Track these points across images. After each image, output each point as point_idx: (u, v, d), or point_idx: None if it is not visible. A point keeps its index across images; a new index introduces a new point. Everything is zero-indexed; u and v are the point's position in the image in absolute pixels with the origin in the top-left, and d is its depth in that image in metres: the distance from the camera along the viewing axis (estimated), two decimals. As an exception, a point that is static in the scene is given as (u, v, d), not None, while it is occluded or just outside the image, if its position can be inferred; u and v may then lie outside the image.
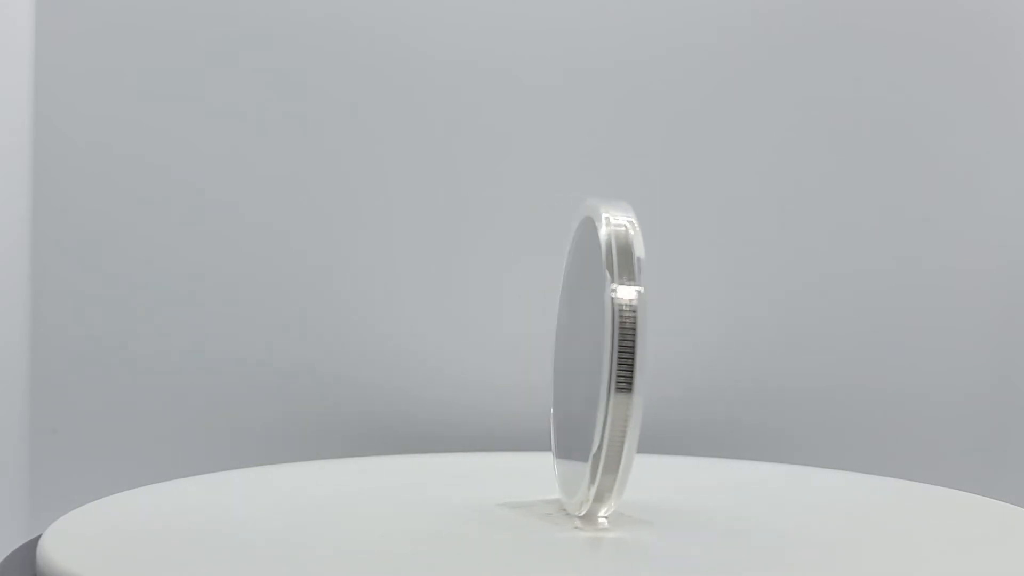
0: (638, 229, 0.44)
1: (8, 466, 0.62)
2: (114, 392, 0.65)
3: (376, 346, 0.66)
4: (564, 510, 0.47)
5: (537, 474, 0.50)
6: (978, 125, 0.69)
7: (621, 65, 0.67)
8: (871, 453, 0.68)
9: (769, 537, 0.45)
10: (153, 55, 0.65)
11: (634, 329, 0.42)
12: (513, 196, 0.66)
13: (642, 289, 0.43)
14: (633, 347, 0.42)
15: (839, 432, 0.68)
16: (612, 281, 0.43)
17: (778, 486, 0.56)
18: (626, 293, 0.42)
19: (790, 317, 0.68)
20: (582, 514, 0.45)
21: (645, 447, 0.44)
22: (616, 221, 0.44)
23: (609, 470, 0.43)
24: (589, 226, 0.46)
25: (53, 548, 0.41)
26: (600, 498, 0.44)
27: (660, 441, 0.51)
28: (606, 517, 0.45)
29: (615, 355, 0.42)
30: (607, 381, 0.42)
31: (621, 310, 0.42)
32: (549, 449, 0.49)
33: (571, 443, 0.47)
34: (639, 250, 0.43)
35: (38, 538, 0.44)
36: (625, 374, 0.42)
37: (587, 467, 0.43)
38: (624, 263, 0.43)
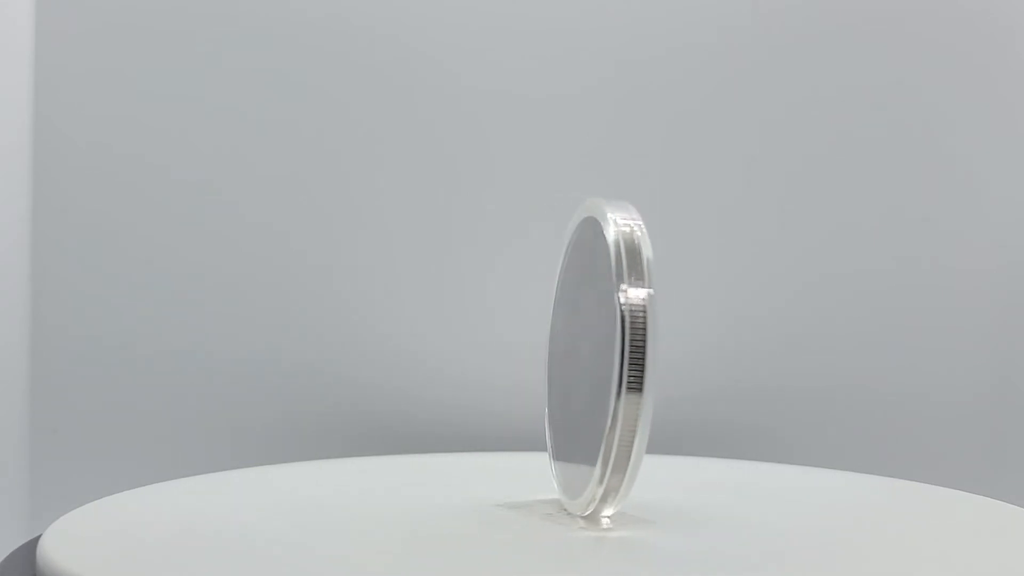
0: (644, 230, 0.44)
1: (8, 466, 0.62)
2: (114, 392, 0.65)
3: (376, 346, 0.66)
4: (565, 510, 0.47)
5: (536, 474, 0.50)
6: (978, 125, 0.69)
7: (621, 65, 0.67)
8: (871, 453, 0.68)
9: (770, 537, 0.45)
10: (153, 55, 0.65)
11: (644, 330, 0.42)
12: (513, 196, 0.66)
13: (652, 290, 0.43)
14: (644, 347, 0.42)
15: (839, 432, 0.68)
16: (622, 282, 0.43)
17: (778, 486, 0.56)
18: (636, 294, 0.43)
19: (790, 317, 0.68)
20: (586, 514, 0.45)
21: (646, 447, 0.44)
22: (623, 222, 0.44)
23: (617, 470, 0.43)
24: (591, 226, 0.46)
25: (53, 548, 0.41)
26: (606, 498, 0.44)
27: (660, 441, 0.51)
28: (609, 517, 0.45)
29: (626, 355, 0.42)
30: (617, 381, 0.42)
31: (632, 311, 0.42)
32: (547, 450, 0.49)
33: (573, 444, 0.47)
34: (647, 251, 0.43)
35: (38, 538, 0.44)
36: (636, 374, 0.42)
37: (595, 467, 0.43)
38: (633, 264, 0.43)
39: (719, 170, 0.68)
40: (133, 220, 0.65)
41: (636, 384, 0.42)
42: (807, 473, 0.59)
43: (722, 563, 0.42)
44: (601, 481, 0.43)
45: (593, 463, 0.44)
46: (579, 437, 0.46)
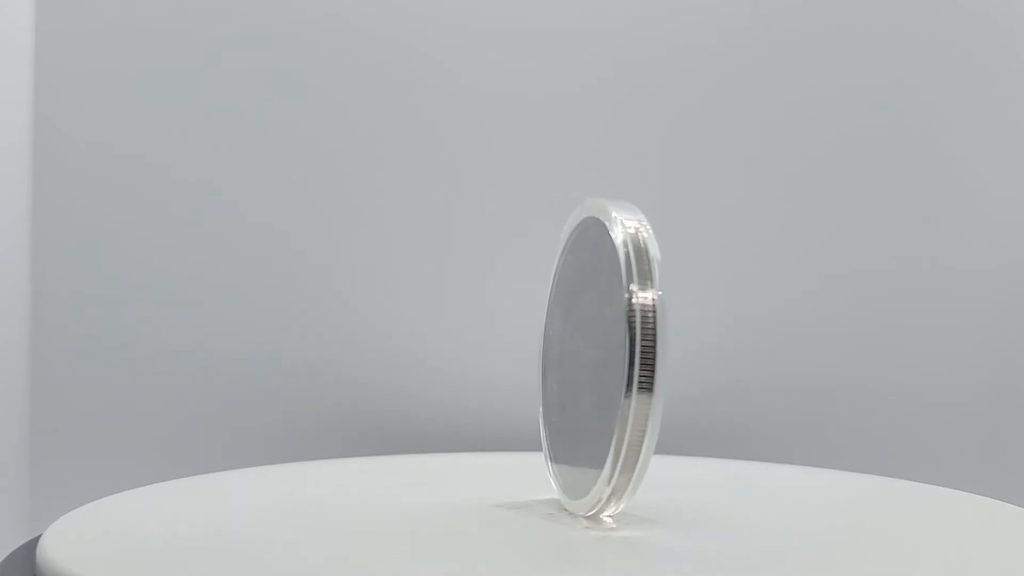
0: (651, 230, 0.44)
1: (8, 466, 0.62)
2: (114, 392, 0.65)
3: (376, 346, 0.66)
4: (565, 510, 0.47)
5: (536, 474, 0.50)
6: (978, 125, 0.69)
7: (621, 65, 0.67)
8: (871, 453, 0.68)
9: (770, 537, 0.45)
10: (153, 55, 0.65)
11: (654, 330, 0.42)
12: (513, 196, 0.66)
13: (660, 291, 0.43)
14: (654, 348, 0.42)
15: (839, 432, 0.68)
16: (631, 283, 0.43)
17: (778, 486, 0.56)
18: (645, 295, 0.43)
19: (790, 317, 0.68)
20: (590, 514, 0.45)
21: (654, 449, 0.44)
22: (629, 223, 0.44)
23: (626, 470, 0.43)
24: (593, 227, 0.46)
25: (53, 548, 0.41)
26: (612, 499, 0.44)
27: (660, 441, 0.51)
28: (611, 517, 0.45)
29: (637, 356, 0.42)
30: (628, 382, 0.42)
31: (643, 311, 0.42)
32: (543, 451, 0.49)
33: (574, 445, 0.47)
34: (655, 251, 0.44)
35: (38, 538, 0.44)
36: (646, 375, 0.42)
37: (602, 467, 0.43)
38: (642, 265, 0.43)
39: (719, 170, 0.68)
40: (133, 220, 0.65)
41: (647, 385, 0.42)
42: (807, 473, 0.59)
43: (724, 563, 0.42)
44: (609, 481, 0.43)
45: (599, 463, 0.44)
46: (581, 438, 0.46)
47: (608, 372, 0.44)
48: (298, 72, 0.66)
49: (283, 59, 0.65)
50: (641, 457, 0.43)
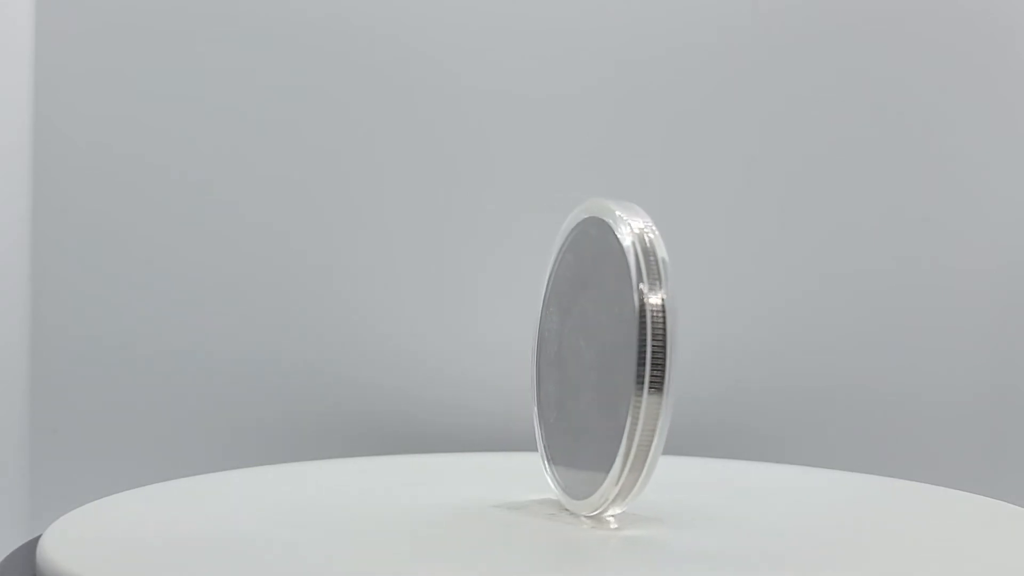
0: (657, 231, 0.44)
1: (8, 466, 0.62)
2: (114, 392, 0.65)
3: (376, 346, 0.66)
4: (566, 510, 0.47)
5: (536, 474, 0.50)
6: (978, 125, 0.69)
7: (621, 65, 0.67)
8: (871, 453, 0.68)
9: (770, 537, 0.45)
10: (153, 55, 0.65)
11: (664, 330, 0.42)
12: (513, 196, 0.66)
13: (670, 292, 0.43)
14: (664, 348, 0.42)
15: (839, 432, 0.68)
16: (641, 283, 0.43)
17: (778, 486, 0.56)
18: (655, 295, 0.43)
19: (790, 317, 0.68)
20: (594, 514, 0.45)
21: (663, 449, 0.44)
22: (635, 224, 0.44)
23: (634, 470, 0.43)
24: (595, 227, 0.46)
25: (53, 548, 0.41)
26: (618, 498, 0.44)
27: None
28: (613, 517, 0.45)
29: (648, 357, 0.42)
30: (638, 382, 0.42)
31: (653, 312, 0.43)
32: (539, 453, 0.49)
33: (575, 446, 0.47)
34: (662, 252, 0.44)
35: (38, 538, 0.44)
36: (657, 375, 0.42)
37: (610, 467, 0.43)
38: (651, 266, 0.43)
39: (719, 170, 0.68)
40: (133, 220, 0.65)
41: (657, 385, 0.42)
42: (807, 473, 0.59)
43: (728, 563, 0.42)
44: (617, 481, 0.43)
45: (604, 463, 0.44)
46: (583, 438, 0.46)
47: (614, 372, 0.44)
48: (298, 72, 0.66)
49: (283, 59, 0.65)
50: (650, 457, 0.43)
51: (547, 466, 0.49)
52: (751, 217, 0.68)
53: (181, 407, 0.65)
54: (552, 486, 0.48)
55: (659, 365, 0.42)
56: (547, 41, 0.67)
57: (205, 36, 0.65)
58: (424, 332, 0.66)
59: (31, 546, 0.44)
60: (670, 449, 0.62)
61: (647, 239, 0.44)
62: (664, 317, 0.43)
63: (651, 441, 0.43)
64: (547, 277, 0.49)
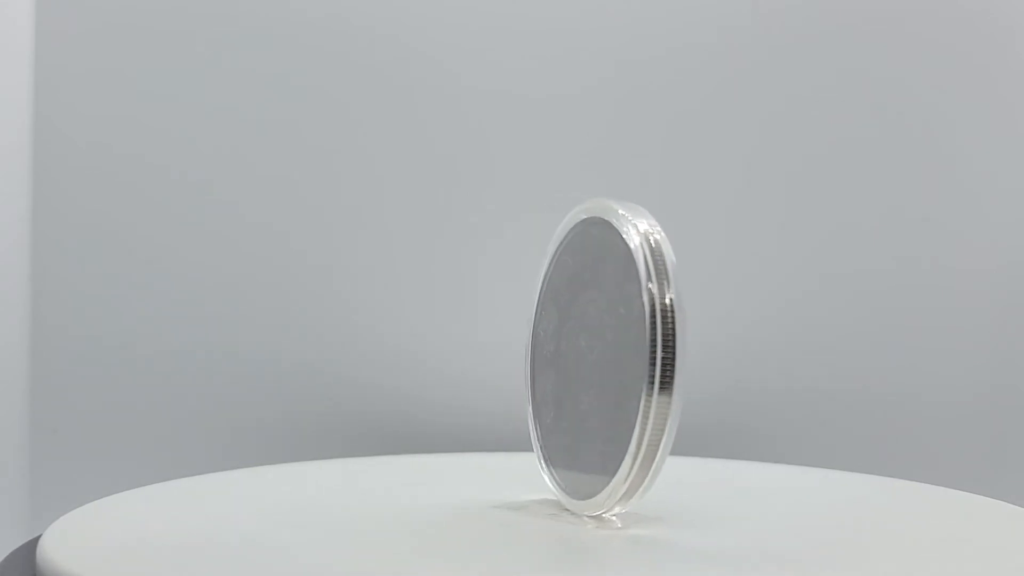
0: (662, 232, 0.44)
1: (8, 466, 0.62)
2: (114, 392, 0.65)
3: (376, 346, 0.66)
4: (566, 510, 0.47)
5: (536, 474, 0.50)
6: (978, 125, 0.69)
7: (621, 65, 0.67)
8: (871, 453, 0.68)
9: (770, 536, 0.45)
10: (153, 55, 0.65)
11: (673, 330, 0.43)
12: (513, 196, 0.66)
13: (678, 292, 0.43)
14: (674, 348, 0.42)
15: (839, 432, 0.68)
16: (650, 283, 0.43)
17: (778, 486, 0.56)
18: (664, 295, 0.43)
19: (790, 318, 0.68)
20: (597, 514, 0.45)
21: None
22: (641, 224, 0.44)
23: (642, 470, 0.43)
24: (597, 227, 0.46)
25: (53, 548, 0.41)
26: (624, 498, 0.44)
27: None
28: (615, 516, 0.45)
29: (659, 356, 0.42)
30: (649, 382, 0.42)
31: (663, 312, 0.43)
32: (536, 453, 0.49)
33: (576, 445, 0.47)
34: (669, 252, 0.44)
35: (38, 538, 0.44)
36: (667, 375, 0.42)
37: (618, 467, 0.43)
38: (659, 266, 0.43)
39: (719, 170, 0.68)
40: (133, 220, 0.65)
41: (667, 384, 0.43)
42: (807, 473, 0.59)
43: (728, 562, 0.42)
44: (625, 480, 0.43)
45: (609, 463, 0.44)
46: (586, 438, 0.46)
47: (620, 372, 0.44)
48: (298, 72, 0.66)
49: (283, 59, 0.65)
50: (658, 457, 0.43)
51: (544, 466, 0.49)
52: (751, 217, 0.68)
53: (181, 407, 0.65)
54: (550, 486, 0.48)
55: (669, 365, 0.43)
56: (547, 41, 0.67)
57: (205, 36, 0.65)
58: (424, 332, 0.66)
59: (31, 546, 0.44)
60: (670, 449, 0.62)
61: (654, 239, 0.44)
62: (673, 317, 0.43)
63: (660, 441, 0.43)
64: (542, 277, 0.49)
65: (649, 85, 0.67)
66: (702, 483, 0.55)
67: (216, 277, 0.66)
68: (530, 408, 0.49)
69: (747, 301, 0.68)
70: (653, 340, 0.43)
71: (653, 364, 0.43)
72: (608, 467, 0.44)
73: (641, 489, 0.44)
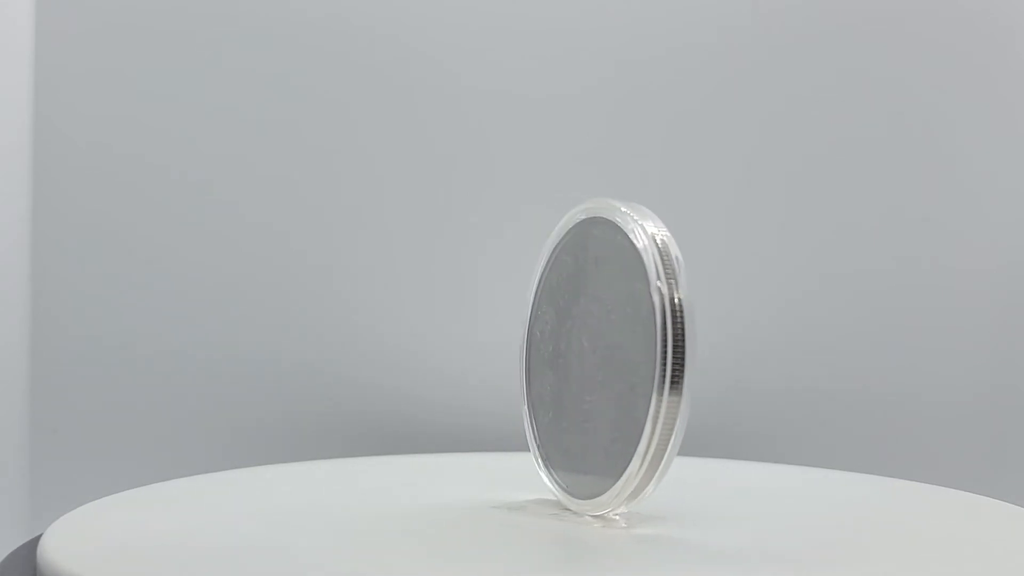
0: (668, 232, 0.44)
1: (8, 466, 0.62)
2: (114, 392, 0.65)
3: (376, 346, 0.66)
4: (568, 510, 0.47)
5: (535, 474, 0.50)
6: (978, 125, 0.69)
7: (621, 65, 0.67)
8: (871, 453, 0.68)
9: (770, 536, 0.45)
10: (153, 55, 0.65)
11: (683, 330, 0.43)
12: (513, 196, 0.66)
13: (687, 291, 0.43)
14: (683, 347, 0.43)
15: (839, 432, 0.68)
16: (659, 283, 0.43)
17: (778, 486, 0.56)
18: (673, 295, 0.43)
19: (790, 318, 0.68)
20: (601, 513, 0.45)
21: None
22: (647, 224, 0.44)
23: (650, 469, 0.43)
24: (598, 227, 0.46)
25: (53, 548, 0.41)
26: (631, 497, 0.44)
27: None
28: (618, 515, 0.45)
29: (669, 356, 0.42)
30: (660, 381, 0.42)
31: (673, 312, 0.43)
32: (534, 454, 0.49)
33: (579, 446, 0.47)
34: (676, 252, 0.44)
35: (38, 538, 0.44)
36: (677, 374, 0.42)
37: (626, 466, 0.43)
38: (668, 266, 0.43)
39: (719, 170, 0.68)
40: (133, 220, 0.65)
41: (677, 384, 0.43)
42: (807, 473, 0.59)
43: (729, 562, 0.42)
44: (632, 480, 0.43)
45: (617, 463, 0.44)
46: (589, 438, 0.46)
47: (626, 371, 0.44)
48: (298, 72, 0.66)
49: (283, 59, 0.65)
50: (666, 457, 0.43)
51: (543, 467, 0.48)
52: (751, 217, 0.68)
53: (181, 407, 0.65)
54: (550, 486, 0.48)
55: (678, 364, 0.43)
56: (547, 41, 0.67)
57: (205, 36, 0.65)
58: (424, 332, 0.66)
59: (31, 546, 0.44)
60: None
61: (660, 239, 0.44)
62: (682, 317, 0.43)
63: (668, 440, 0.43)
64: (538, 277, 0.49)
65: (649, 85, 0.67)
66: (702, 483, 0.55)
67: (216, 277, 0.66)
68: (526, 408, 0.49)
69: (747, 301, 0.68)
70: (664, 340, 0.43)
71: (664, 364, 0.42)
72: (614, 467, 0.44)
73: (647, 490, 0.44)
